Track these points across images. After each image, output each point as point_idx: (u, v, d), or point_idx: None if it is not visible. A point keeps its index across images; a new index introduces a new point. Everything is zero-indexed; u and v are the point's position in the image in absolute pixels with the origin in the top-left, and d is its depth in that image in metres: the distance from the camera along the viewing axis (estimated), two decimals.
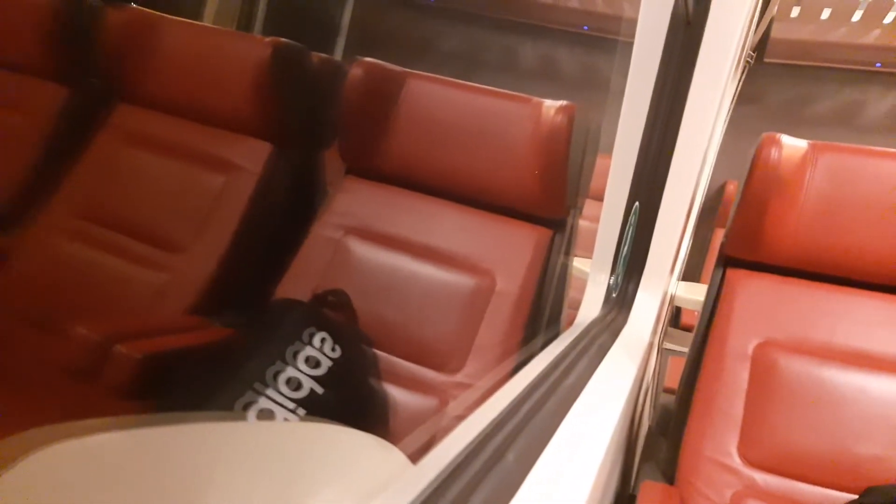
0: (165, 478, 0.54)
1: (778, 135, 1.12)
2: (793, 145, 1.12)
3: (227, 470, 0.57)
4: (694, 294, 1.80)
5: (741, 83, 2.75)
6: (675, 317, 2.74)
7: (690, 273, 3.10)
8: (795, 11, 2.91)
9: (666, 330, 2.08)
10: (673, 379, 1.62)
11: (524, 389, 0.57)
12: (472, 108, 1.28)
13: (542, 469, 0.44)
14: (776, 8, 2.55)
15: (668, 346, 2.17)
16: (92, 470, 0.53)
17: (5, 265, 1.36)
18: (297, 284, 1.28)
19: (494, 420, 0.48)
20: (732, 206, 1.18)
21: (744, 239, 1.16)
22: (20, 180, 1.47)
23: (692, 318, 2.57)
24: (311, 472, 0.60)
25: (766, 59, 3.12)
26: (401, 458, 0.65)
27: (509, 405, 0.52)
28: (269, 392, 0.97)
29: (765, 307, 1.13)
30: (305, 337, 1.05)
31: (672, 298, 1.77)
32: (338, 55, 3.63)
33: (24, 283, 1.35)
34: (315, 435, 0.73)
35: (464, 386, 1.16)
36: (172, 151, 1.42)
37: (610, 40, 3.22)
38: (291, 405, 0.97)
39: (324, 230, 1.33)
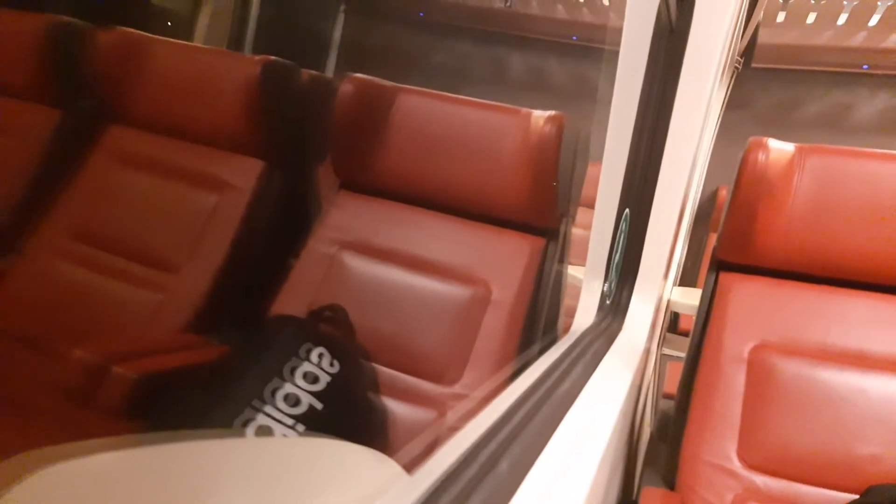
0: (165, 496, 0.54)
1: (765, 139, 1.13)
2: (780, 149, 1.13)
3: (227, 486, 0.58)
4: (689, 299, 1.80)
5: (730, 89, 2.78)
6: (673, 322, 2.74)
7: (687, 278, 3.10)
8: (781, 16, 2.94)
9: (664, 335, 2.08)
10: (673, 384, 1.62)
11: (518, 398, 0.58)
12: (462, 120, 1.29)
13: (537, 477, 0.45)
14: (762, 13, 2.57)
15: (666, 351, 2.17)
16: (91, 491, 0.53)
17: (1, 287, 1.36)
18: (292, 300, 1.28)
19: (487, 429, 0.48)
20: (723, 210, 1.19)
21: (735, 243, 1.17)
22: (14, 203, 1.48)
23: (691, 322, 2.58)
24: (308, 485, 0.60)
25: (754, 65, 3.14)
26: (396, 470, 0.65)
27: (502, 414, 0.53)
28: (268, 409, 0.97)
29: (759, 310, 1.13)
30: (303, 353, 1.05)
31: (668, 304, 1.77)
32: (329, 71, 3.65)
33: (19, 304, 1.35)
34: (312, 449, 0.73)
35: (461, 397, 1.16)
36: (165, 171, 1.43)
37: (597, 50, 3.24)
38: (290, 421, 0.97)
39: (318, 245, 1.34)
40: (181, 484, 0.56)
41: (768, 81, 3.22)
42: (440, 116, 1.31)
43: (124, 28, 1.51)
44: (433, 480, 0.38)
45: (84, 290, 1.34)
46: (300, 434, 0.97)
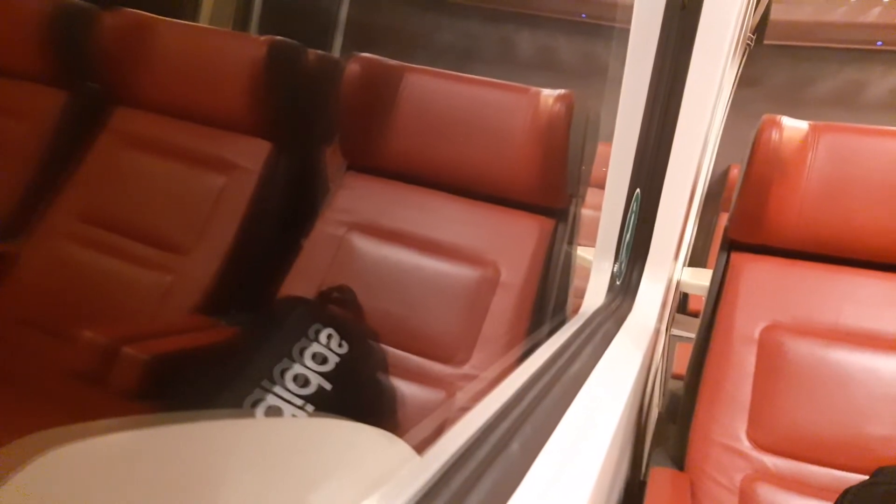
0: (177, 476, 0.54)
1: (778, 117, 1.11)
2: (793, 127, 1.11)
3: (237, 465, 0.58)
4: (700, 279, 1.79)
5: (742, 66, 2.74)
6: (682, 303, 2.73)
7: (697, 259, 3.09)
8: None
9: (673, 316, 2.08)
10: (681, 365, 1.62)
11: (528, 379, 0.57)
12: (471, 99, 1.28)
13: (547, 458, 0.44)
14: None
15: (675, 332, 2.16)
16: (103, 470, 0.53)
17: (12, 271, 1.37)
18: (301, 282, 1.28)
19: (498, 410, 0.48)
20: (735, 189, 1.18)
21: (747, 222, 1.15)
22: (23, 186, 1.48)
23: (700, 303, 2.57)
24: (317, 465, 0.60)
25: (767, 41, 3.10)
26: (406, 450, 0.66)
27: (513, 395, 0.52)
28: (277, 389, 0.97)
29: (770, 290, 1.13)
30: (312, 334, 1.05)
31: (678, 284, 1.77)
32: (336, 51, 3.63)
33: (30, 288, 1.36)
34: (322, 430, 0.74)
35: (470, 377, 1.17)
36: (172, 153, 1.43)
37: (607, 27, 3.20)
38: (299, 402, 0.98)
39: (326, 227, 1.33)
40: (191, 464, 0.57)
41: (780, 58, 3.17)
42: (448, 95, 1.30)
43: (129, 9, 1.50)
44: (444, 461, 0.38)
45: (94, 272, 1.35)
46: (310, 414, 0.97)
